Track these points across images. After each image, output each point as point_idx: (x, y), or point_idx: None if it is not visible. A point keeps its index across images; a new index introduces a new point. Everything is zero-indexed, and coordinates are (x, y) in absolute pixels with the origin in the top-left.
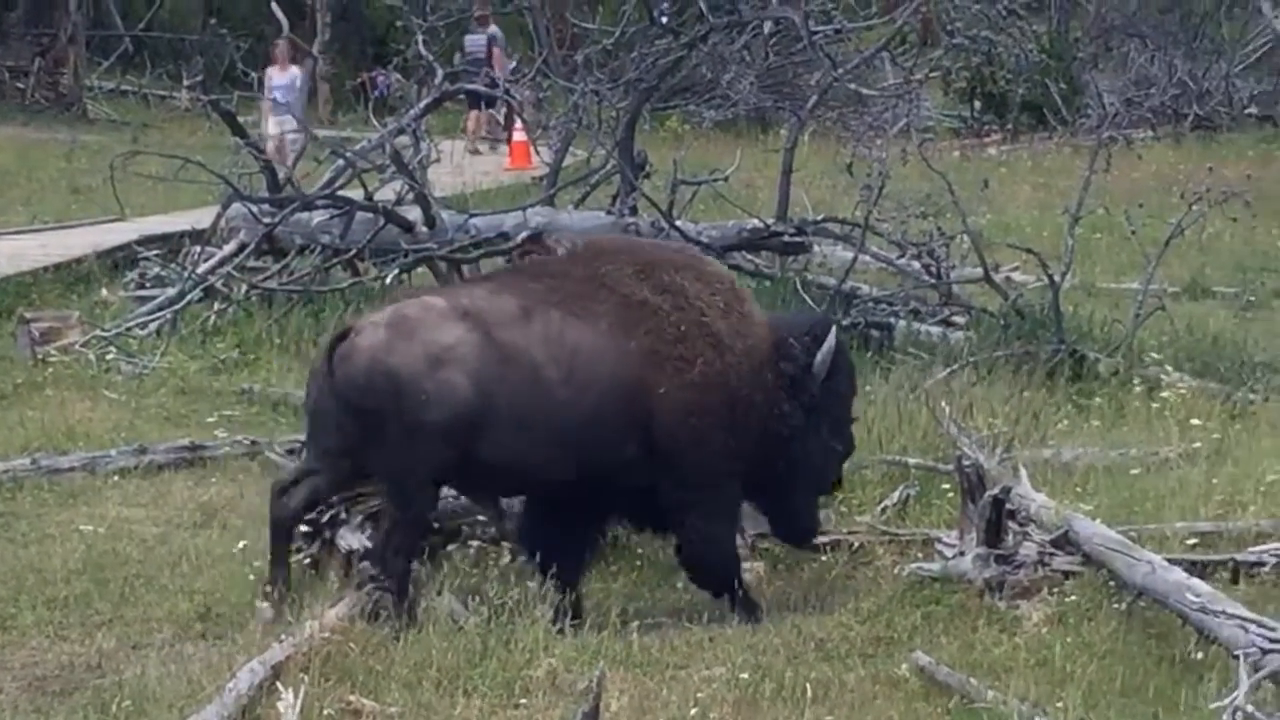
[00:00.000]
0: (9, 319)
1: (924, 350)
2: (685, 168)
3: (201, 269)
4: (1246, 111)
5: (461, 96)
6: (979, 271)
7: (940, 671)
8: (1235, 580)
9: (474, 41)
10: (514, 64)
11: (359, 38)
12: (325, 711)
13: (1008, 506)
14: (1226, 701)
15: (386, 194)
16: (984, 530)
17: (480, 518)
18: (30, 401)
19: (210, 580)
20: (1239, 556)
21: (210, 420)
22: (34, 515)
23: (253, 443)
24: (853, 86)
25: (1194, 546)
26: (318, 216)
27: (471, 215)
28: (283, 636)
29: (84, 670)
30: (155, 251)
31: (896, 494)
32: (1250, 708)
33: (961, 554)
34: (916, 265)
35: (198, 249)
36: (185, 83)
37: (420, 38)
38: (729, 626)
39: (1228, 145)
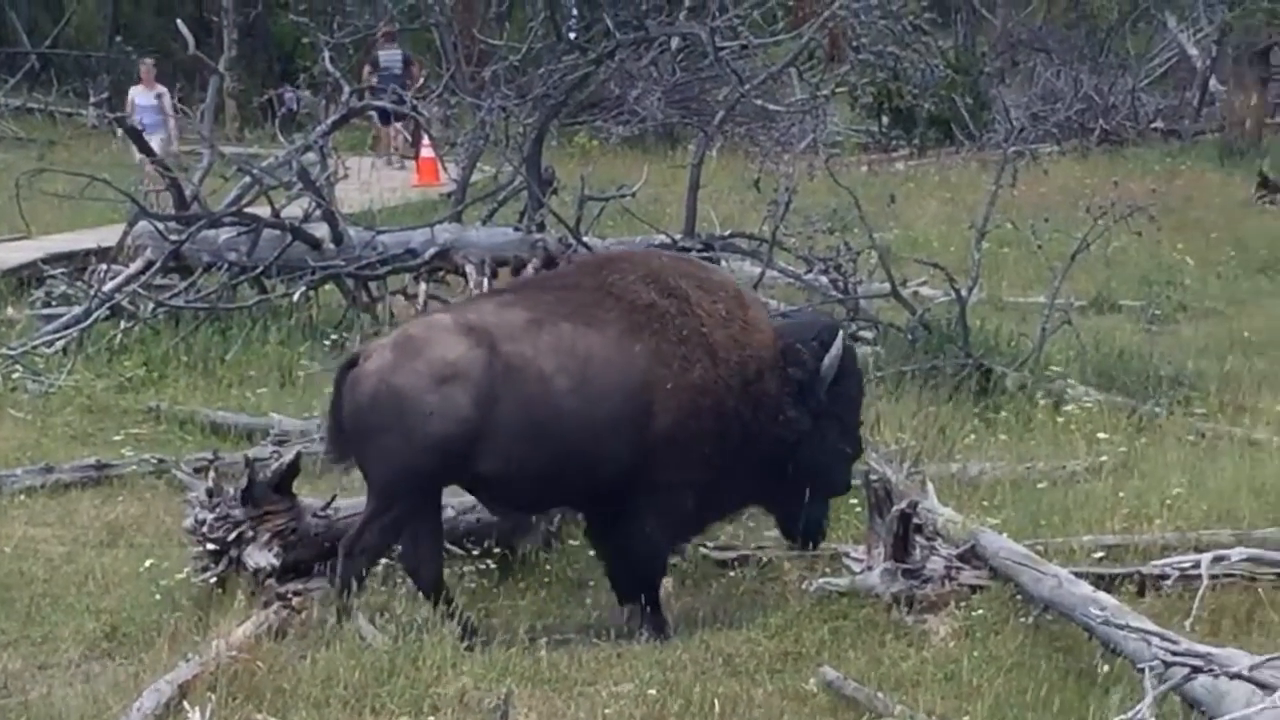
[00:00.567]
0: None
1: None
2: (593, 183)
3: (108, 287)
4: (1152, 126)
5: (371, 113)
6: (886, 286)
7: (848, 686)
8: (1141, 593)
9: (389, 57)
10: (421, 80)
11: (266, 54)
12: None
13: (915, 521)
14: (1131, 714)
15: (294, 211)
16: (891, 545)
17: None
18: None
19: (117, 599)
20: (1145, 570)
21: (117, 438)
22: None
23: (160, 461)
24: (760, 102)
25: (1100, 560)
26: (225, 234)
27: (379, 232)
28: (189, 655)
29: None
30: (61, 269)
31: None
32: None
33: (869, 568)
34: (824, 280)
35: (104, 267)
36: (91, 100)
37: (327, 54)
38: (637, 643)
39: (1133, 160)
